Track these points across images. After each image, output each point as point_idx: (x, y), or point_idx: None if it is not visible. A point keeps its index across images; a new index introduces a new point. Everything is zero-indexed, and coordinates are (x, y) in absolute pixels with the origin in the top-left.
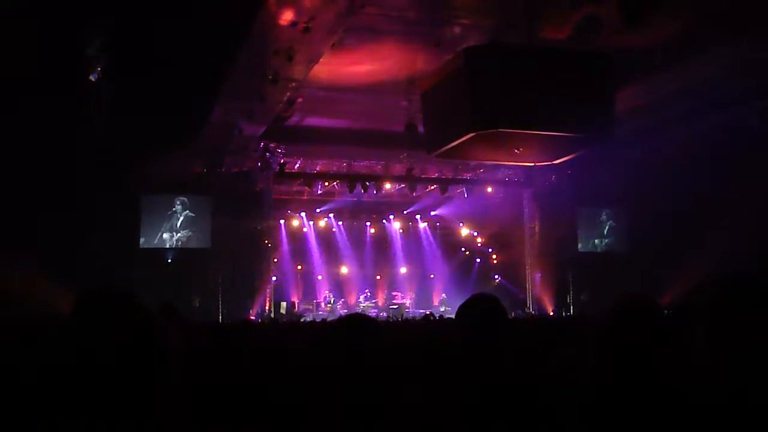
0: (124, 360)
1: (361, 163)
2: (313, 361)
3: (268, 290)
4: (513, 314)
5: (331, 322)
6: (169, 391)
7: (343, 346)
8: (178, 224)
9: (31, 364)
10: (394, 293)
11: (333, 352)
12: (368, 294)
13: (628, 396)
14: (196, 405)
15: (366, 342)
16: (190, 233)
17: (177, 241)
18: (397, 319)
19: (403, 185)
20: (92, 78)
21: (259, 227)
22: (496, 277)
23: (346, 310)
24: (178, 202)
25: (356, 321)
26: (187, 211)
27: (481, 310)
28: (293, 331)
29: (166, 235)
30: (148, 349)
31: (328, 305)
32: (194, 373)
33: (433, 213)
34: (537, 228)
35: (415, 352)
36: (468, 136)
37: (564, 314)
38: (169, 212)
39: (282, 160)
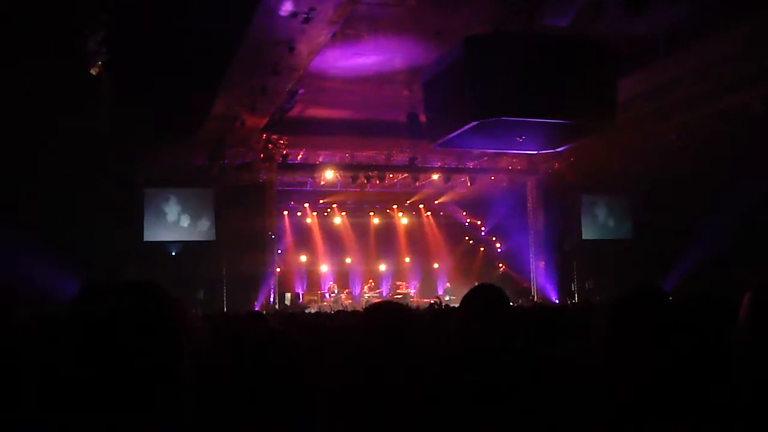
0: (159, 348)
1: (364, 154)
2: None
3: (272, 282)
4: (519, 302)
5: (366, 308)
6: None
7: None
8: (182, 217)
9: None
10: (398, 283)
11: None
12: (372, 284)
13: (634, 382)
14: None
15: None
16: (194, 226)
17: (181, 234)
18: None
19: (406, 175)
20: (93, 71)
21: (262, 219)
22: (500, 265)
23: (350, 301)
24: (180, 197)
25: (389, 309)
26: (191, 204)
27: (484, 300)
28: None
29: (170, 228)
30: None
31: (332, 296)
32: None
33: (436, 202)
34: (541, 216)
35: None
36: (470, 125)
37: (569, 302)
38: (173, 206)
39: (284, 152)
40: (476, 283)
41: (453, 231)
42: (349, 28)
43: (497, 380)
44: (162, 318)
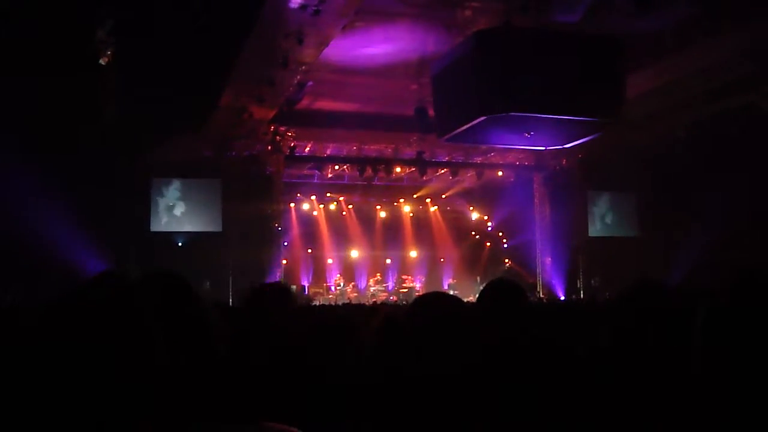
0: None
1: (372, 147)
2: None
3: (278, 274)
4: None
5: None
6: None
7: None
8: (189, 208)
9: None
10: (404, 277)
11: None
12: (379, 278)
13: (642, 374)
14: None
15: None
16: (200, 217)
17: (187, 224)
18: (406, 302)
19: (413, 169)
20: (102, 61)
21: (269, 211)
22: (506, 261)
23: (356, 294)
24: (187, 187)
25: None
26: (198, 195)
27: (502, 294)
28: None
29: (176, 219)
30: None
31: (338, 289)
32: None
33: (443, 196)
34: (547, 212)
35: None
36: (478, 120)
37: (574, 298)
38: (180, 196)
39: (292, 144)
40: (477, 279)
41: (459, 225)
42: (359, 21)
43: (515, 374)
44: (192, 308)
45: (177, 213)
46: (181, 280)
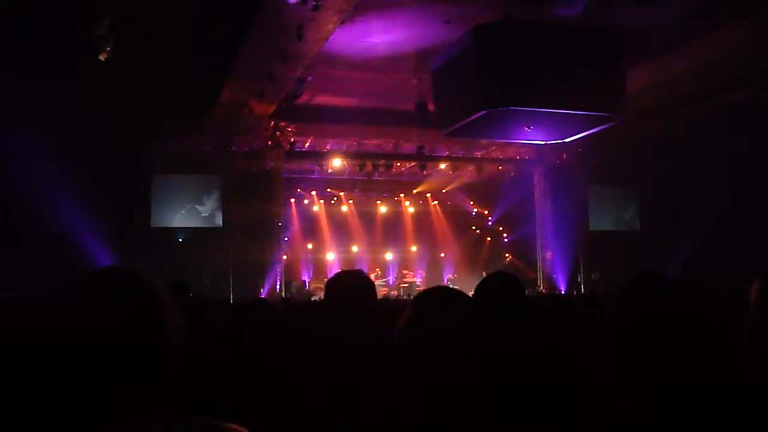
0: (120, 339)
1: (372, 142)
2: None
3: (278, 269)
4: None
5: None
6: (171, 373)
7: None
8: (190, 204)
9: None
10: (404, 272)
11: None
12: (379, 273)
13: (644, 371)
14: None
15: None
16: (201, 213)
17: (188, 220)
18: (408, 297)
19: (413, 164)
20: (101, 57)
21: (269, 206)
22: (507, 255)
23: None
24: (188, 183)
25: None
26: (198, 191)
27: (501, 287)
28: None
29: (177, 215)
30: (147, 327)
31: None
32: (204, 352)
33: (443, 191)
34: (548, 206)
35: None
36: (479, 114)
37: (575, 293)
38: (180, 192)
39: (292, 139)
40: (483, 273)
41: (460, 220)
42: (358, 15)
43: (513, 369)
44: (137, 303)
45: (177, 209)
46: (133, 273)
